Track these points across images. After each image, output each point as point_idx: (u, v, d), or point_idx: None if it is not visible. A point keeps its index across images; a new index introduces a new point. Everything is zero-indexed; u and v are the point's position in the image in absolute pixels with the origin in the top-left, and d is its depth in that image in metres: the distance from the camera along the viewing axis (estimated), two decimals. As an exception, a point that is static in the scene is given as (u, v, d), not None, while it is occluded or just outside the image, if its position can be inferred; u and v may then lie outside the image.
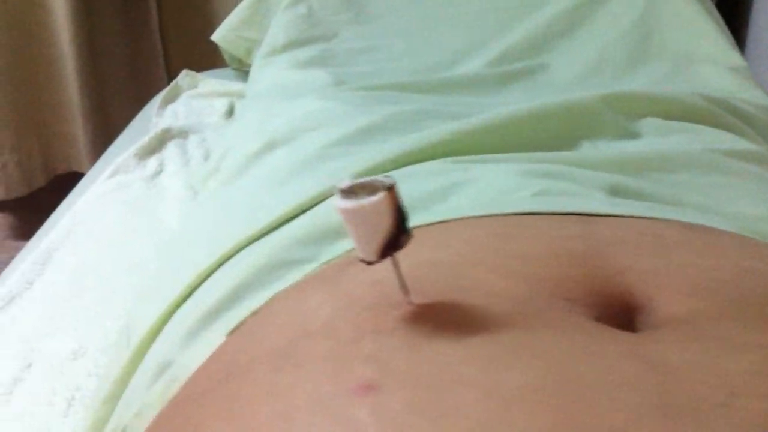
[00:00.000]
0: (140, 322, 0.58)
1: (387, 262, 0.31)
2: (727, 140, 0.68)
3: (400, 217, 0.30)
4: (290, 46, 1.09)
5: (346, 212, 0.29)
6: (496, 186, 0.50)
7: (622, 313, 0.35)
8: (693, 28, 1.05)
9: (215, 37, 1.30)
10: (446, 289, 0.34)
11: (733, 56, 1.02)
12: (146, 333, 0.56)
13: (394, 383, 0.28)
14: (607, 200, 0.47)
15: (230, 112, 1.21)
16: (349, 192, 0.30)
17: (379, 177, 0.30)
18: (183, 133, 1.14)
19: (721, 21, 1.11)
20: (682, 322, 0.33)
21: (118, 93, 1.83)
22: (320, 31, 1.12)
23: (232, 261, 0.55)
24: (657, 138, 0.68)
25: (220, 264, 0.55)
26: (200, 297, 0.53)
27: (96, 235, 0.92)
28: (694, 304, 0.34)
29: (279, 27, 1.14)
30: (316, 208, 0.55)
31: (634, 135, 0.69)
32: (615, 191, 0.51)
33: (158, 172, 1.07)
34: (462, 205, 0.48)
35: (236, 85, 1.27)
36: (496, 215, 0.42)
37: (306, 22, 1.15)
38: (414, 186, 0.54)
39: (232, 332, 0.44)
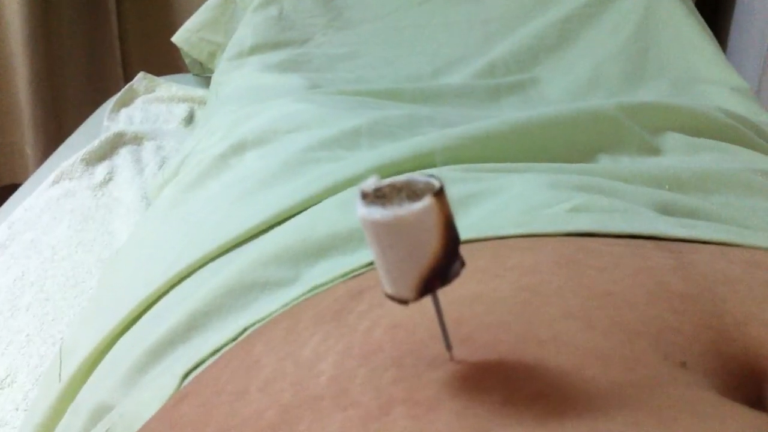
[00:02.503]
0: (75, 351, 0.48)
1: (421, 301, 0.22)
2: (759, 160, 0.61)
3: (451, 234, 0.20)
4: (259, 49, 1.02)
5: (376, 226, 0.20)
6: (524, 198, 0.41)
7: (748, 383, 0.25)
8: (691, 45, 0.99)
9: (176, 38, 1.21)
10: (507, 341, 0.24)
11: (735, 77, 0.96)
12: (80, 366, 0.46)
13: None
14: (673, 221, 0.37)
15: (190, 119, 1.11)
16: (378, 196, 0.20)
17: (419, 175, 0.20)
18: (138, 139, 1.04)
19: (716, 40, 1.07)
20: None
21: (73, 101, 1.71)
22: (293, 35, 1.06)
23: (190, 281, 0.45)
24: (683, 155, 0.60)
25: (176, 284, 0.45)
26: (149, 324, 0.44)
27: (36, 247, 0.82)
28: None
29: (247, 29, 1.07)
30: (297, 218, 0.46)
31: (655, 150, 0.61)
32: (666, 210, 0.42)
33: (108, 180, 0.96)
34: (491, 220, 0.38)
35: (198, 91, 1.17)
36: (548, 235, 0.33)
37: (277, 25, 1.08)
38: None
39: (187, 376, 0.34)
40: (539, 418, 0.20)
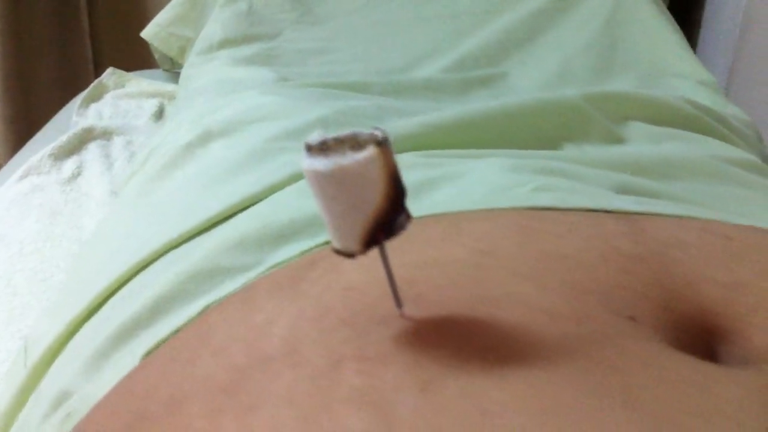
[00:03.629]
0: (40, 340, 0.48)
1: (372, 257, 0.22)
2: (725, 149, 0.61)
3: (396, 186, 0.20)
4: (228, 43, 1.02)
5: (318, 177, 0.20)
6: (486, 181, 0.41)
7: (701, 339, 0.25)
8: (659, 40, 1.00)
9: (145, 34, 1.20)
10: (459, 299, 0.24)
11: (701, 70, 0.98)
12: (43, 354, 0.46)
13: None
14: (630, 199, 0.37)
15: (160, 114, 1.11)
16: (323, 149, 0.20)
17: (364, 129, 0.20)
18: (107, 134, 1.03)
19: (683, 35, 1.08)
20: None
21: (44, 98, 1.70)
22: (262, 30, 1.05)
23: (154, 267, 0.45)
24: (647, 144, 0.60)
25: (140, 271, 0.44)
26: (112, 310, 0.43)
27: (3, 241, 0.81)
28: None
29: (216, 23, 1.06)
30: (261, 205, 0.45)
31: (619, 139, 0.61)
32: (627, 191, 0.42)
33: (76, 175, 0.95)
34: (453, 202, 0.38)
35: (168, 86, 1.16)
36: (509, 209, 0.33)
37: (246, 20, 1.07)
38: None
39: (147, 355, 0.34)
40: (485, 368, 0.20)
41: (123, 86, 1.19)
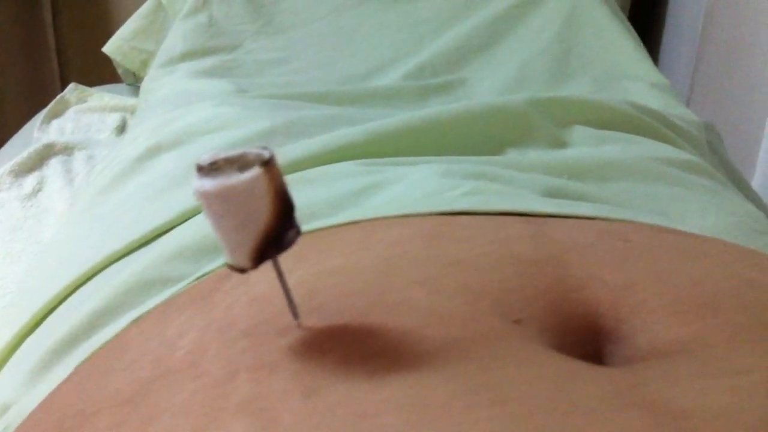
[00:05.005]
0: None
1: (272, 271, 0.23)
2: (664, 150, 0.63)
3: (283, 203, 0.21)
4: (189, 56, 1.02)
5: (206, 196, 0.21)
6: (419, 187, 0.42)
7: (586, 340, 0.26)
8: (613, 44, 1.02)
9: (107, 48, 1.20)
10: (357, 307, 0.25)
11: (655, 73, 0.99)
12: None
13: (278, 444, 0.19)
14: (549, 201, 0.39)
15: (122, 128, 1.11)
16: (213, 169, 0.21)
17: (253, 148, 0.21)
18: (68, 149, 1.03)
19: (638, 38, 1.10)
20: (678, 352, 0.24)
21: (10, 114, 1.69)
22: (223, 42, 1.06)
23: (96, 280, 0.45)
24: (590, 147, 0.62)
25: (83, 283, 0.45)
26: (54, 324, 0.44)
27: (-38, 260, 0.81)
28: (689, 327, 0.25)
29: (177, 36, 1.07)
30: (200, 216, 0.46)
31: (563, 143, 0.63)
32: (554, 194, 0.43)
33: (37, 190, 0.95)
34: (379, 207, 0.39)
35: (131, 100, 1.17)
36: (424, 214, 0.34)
37: (207, 32, 1.08)
38: (321, 190, 0.45)
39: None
40: (368, 373, 0.21)
41: (85, 101, 1.19)
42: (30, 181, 0.96)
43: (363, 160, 0.51)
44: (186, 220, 0.47)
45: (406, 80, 0.97)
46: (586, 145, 0.62)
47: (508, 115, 0.62)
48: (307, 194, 0.45)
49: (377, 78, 0.99)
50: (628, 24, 1.12)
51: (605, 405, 0.20)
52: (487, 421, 0.19)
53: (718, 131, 1.08)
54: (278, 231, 0.21)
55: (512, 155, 0.58)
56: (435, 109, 0.62)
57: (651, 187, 0.53)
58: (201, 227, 0.45)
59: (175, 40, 1.05)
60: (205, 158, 0.21)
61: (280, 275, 0.23)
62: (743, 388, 0.21)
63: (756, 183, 1.24)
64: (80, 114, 1.16)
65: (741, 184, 0.83)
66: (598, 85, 0.96)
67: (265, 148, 0.21)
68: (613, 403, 0.20)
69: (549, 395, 0.20)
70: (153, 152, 0.62)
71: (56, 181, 0.98)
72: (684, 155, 0.62)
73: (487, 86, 0.95)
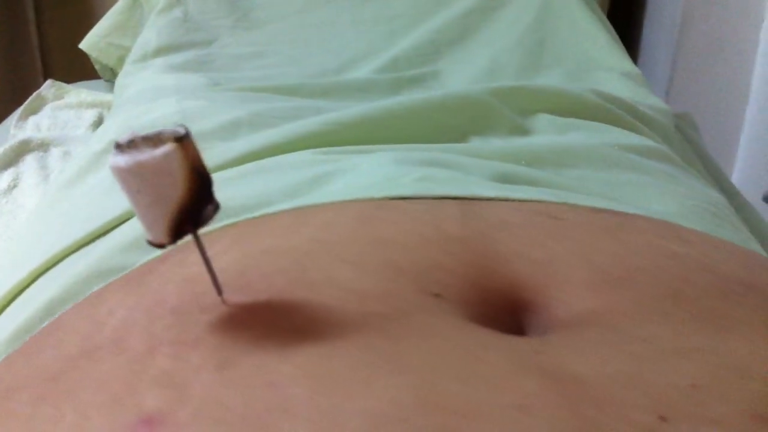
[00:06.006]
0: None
1: (220, 249, 0.23)
2: (626, 136, 0.63)
3: (199, 179, 0.22)
4: (164, 51, 1.02)
5: (119, 172, 0.21)
6: (372, 174, 0.42)
7: (507, 313, 0.26)
8: (586, 35, 1.03)
9: (84, 45, 1.20)
10: (282, 284, 0.25)
11: (627, 63, 1.00)
12: None
13: (187, 415, 0.19)
14: (493, 185, 0.39)
15: (99, 124, 1.11)
16: (130, 147, 0.21)
17: (170, 127, 0.21)
18: (44, 146, 1.03)
19: (612, 29, 1.10)
20: (589, 323, 0.25)
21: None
22: (198, 36, 1.06)
23: (54, 271, 0.45)
24: (553, 135, 0.62)
25: (41, 275, 0.45)
26: (12, 315, 0.44)
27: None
28: (603, 299, 0.26)
29: (151, 31, 1.07)
30: None
31: (526, 132, 0.63)
32: (505, 180, 0.44)
33: (12, 187, 0.95)
34: (331, 194, 0.40)
35: (108, 96, 1.16)
36: (366, 199, 0.34)
37: (182, 27, 1.08)
38: (277, 178, 0.46)
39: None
40: (282, 347, 0.21)
41: (62, 98, 1.19)
42: (5, 177, 0.96)
43: (320, 149, 0.51)
44: None
45: (379, 74, 0.97)
46: (549, 133, 0.63)
47: (470, 105, 0.63)
48: (263, 183, 0.46)
49: (351, 72, 0.99)
50: (602, 14, 1.13)
51: (505, 372, 0.21)
52: (386, 389, 0.20)
53: (695, 121, 1.09)
54: (194, 207, 0.21)
55: (475, 143, 0.59)
56: (396, 99, 0.62)
57: (610, 173, 0.54)
58: None
59: (150, 35, 1.05)
60: (124, 137, 0.22)
61: (202, 251, 0.23)
62: (643, 355, 0.22)
63: (737, 170, 1.25)
64: (57, 110, 1.15)
65: (714, 172, 0.84)
66: (571, 76, 0.96)
67: (181, 126, 0.21)
68: (513, 370, 0.21)
69: (453, 364, 0.21)
70: (112, 147, 0.62)
71: (32, 177, 0.98)
72: (646, 142, 0.63)
73: (460, 79, 0.95)
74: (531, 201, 0.35)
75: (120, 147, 0.21)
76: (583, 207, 0.35)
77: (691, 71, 1.44)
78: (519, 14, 1.07)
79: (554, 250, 0.28)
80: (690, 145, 0.88)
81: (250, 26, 1.11)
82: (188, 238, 0.23)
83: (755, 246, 0.51)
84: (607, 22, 1.12)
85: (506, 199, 0.35)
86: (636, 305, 0.25)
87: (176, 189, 0.21)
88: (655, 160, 0.59)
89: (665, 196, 0.51)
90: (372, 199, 0.34)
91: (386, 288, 0.25)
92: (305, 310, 0.23)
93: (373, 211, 0.31)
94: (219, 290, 0.24)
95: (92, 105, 1.16)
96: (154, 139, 0.21)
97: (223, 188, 0.47)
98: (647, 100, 0.87)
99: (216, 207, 0.22)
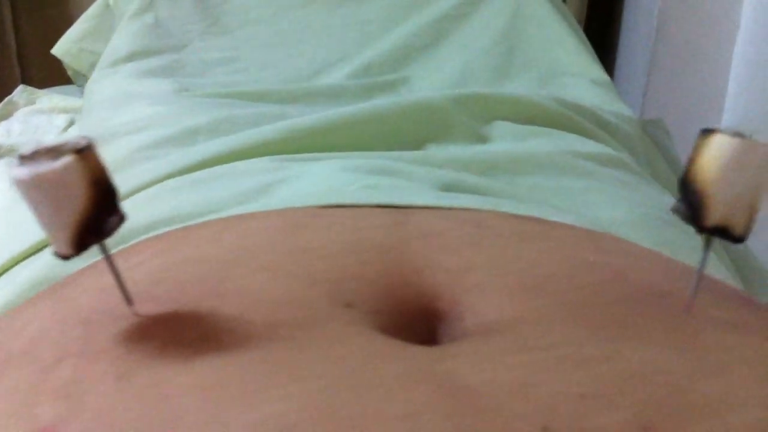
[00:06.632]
0: None
1: (143, 260, 0.23)
2: (583, 144, 0.64)
3: (102, 191, 0.22)
4: (134, 56, 1.02)
5: (20, 184, 0.21)
6: (319, 182, 0.43)
7: (420, 322, 0.27)
8: (556, 41, 1.03)
9: (56, 50, 1.19)
10: (194, 294, 0.26)
11: (596, 70, 1.01)
12: None
13: (80, 427, 0.19)
14: (433, 194, 0.39)
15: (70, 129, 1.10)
16: (33, 158, 0.21)
17: (73, 138, 0.22)
18: (14, 151, 1.02)
19: (584, 36, 1.11)
20: (496, 331, 0.25)
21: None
22: (169, 42, 1.06)
23: (5, 277, 0.45)
24: (510, 142, 0.63)
25: None
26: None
27: None
28: (513, 308, 0.26)
29: (122, 37, 1.06)
30: None
31: (485, 139, 0.64)
32: (450, 189, 0.44)
33: (-19, 192, 0.95)
34: (276, 202, 0.40)
35: (80, 101, 1.16)
36: (301, 208, 0.35)
37: (153, 32, 1.08)
38: (227, 185, 0.46)
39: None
40: (183, 358, 0.22)
41: (34, 103, 1.18)
42: (-27, 183, 0.96)
43: (274, 156, 0.51)
44: None
45: (350, 79, 0.97)
46: (507, 141, 0.63)
47: (429, 112, 0.63)
48: (214, 190, 0.46)
49: (322, 77, 0.99)
50: (573, 20, 1.13)
51: (399, 381, 0.21)
52: (277, 400, 0.20)
53: (666, 126, 1.10)
54: (96, 218, 0.22)
55: (430, 151, 0.59)
56: (357, 106, 0.63)
57: (563, 180, 0.54)
58: None
59: (120, 40, 1.05)
60: (28, 148, 0.22)
61: (109, 262, 0.23)
62: (540, 364, 0.22)
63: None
64: (29, 116, 1.15)
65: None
66: (540, 82, 0.97)
67: (84, 137, 0.22)
68: (407, 380, 0.21)
69: (349, 374, 0.21)
70: None
71: (2, 182, 0.97)
72: (604, 149, 0.63)
73: (430, 84, 0.95)
74: (461, 209, 0.35)
75: (23, 158, 0.21)
76: (509, 215, 0.35)
77: (667, 77, 1.45)
78: (490, 20, 1.08)
79: (472, 259, 0.29)
80: (660, 151, 0.89)
81: (222, 31, 1.11)
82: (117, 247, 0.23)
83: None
84: (579, 29, 1.13)
85: (440, 208, 0.35)
86: (544, 314, 0.25)
87: (76, 201, 0.21)
88: (611, 167, 0.60)
89: (615, 204, 0.52)
90: (309, 207, 0.35)
91: (299, 297, 0.25)
92: (212, 320, 0.23)
93: (299, 220, 0.32)
94: (128, 301, 0.24)
95: (64, 110, 1.16)
96: (56, 151, 0.21)
97: (174, 196, 0.48)
98: (613, 106, 0.87)
99: (121, 218, 0.22)
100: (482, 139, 0.63)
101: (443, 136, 0.62)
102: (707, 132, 0.22)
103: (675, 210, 0.24)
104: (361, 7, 1.14)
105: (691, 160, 0.23)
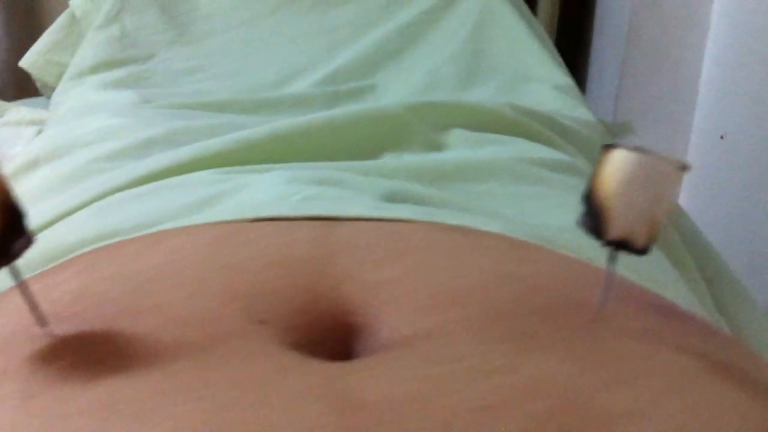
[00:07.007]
0: None
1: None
2: (537, 150, 0.64)
3: (7, 214, 0.22)
4: (100, 68, 1.02)
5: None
6: (262, 194, 0.43)
7: (335, 337, 0.27)
8: (521, 48, 1.04)
9: (23, 63, 1.19)
10: (111, 312, 0.26)
11: (560, 75, 1.01)
12: None
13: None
14: (372, 204, 0.40)
15: (37, 141, 1.10)
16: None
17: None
18: (-23, 166, 1.02)
19: (549, 42, 1.12)
20: (406, 345, 0.25)
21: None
22: (135, 53, 1.06)
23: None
24: (466, 150, 0.63)
25: None
26: None
27: None
28: (429, 320, 0.26)
29: (88, 48, 1.07)
30: (56, 227, 0.47)
31: (441, 146, 0.64)
32: (393, 198, 0.44)
33: (-56, 207, 0.94)
34: (215, 214, 0.40)
35: (48, 113, 1.16)
36: (228, 222, 0.35)
37: (119, 43, 1.08)
38: (173, 198, 0.46)
39: None
40: (88, 377, 0.22)
41: (2, 116, 1.18)
42: (-63, 197, 0.96)
43: (222, 168, 0.52)
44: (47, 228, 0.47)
45: (317, 87, 0.97)
46: (463, 148, 0.64)
47: (385, 120, 0.63)
48: (158, 203, 0.46)
49: (290, 86, 0.99)
50: (538, 26, 1.14)
51: (297, 398, 0.21)
52: (172, 418, 0.20)
53: (634, 128, 1.11)
54: (2, 241, 0.22)
55: (384, 160, 0.59)
56: (313, 115, 0.63)
57: (513, 187, 0.55)
58: (56, 237, 0.45)
59: (86, 52, 1.05)
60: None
61: (23, 286, 0.23)
62: (445, 376, 0.22)
63: (686, 177, 1.27)
64: (-4, 128, 1.15)
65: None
66: (505, 87, 0.97)
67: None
68: (306, 397, 0.21)
69: (249, 391, 0.21)
70: (29, 167, 0.62)
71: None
72: (557, 155, 0.64)
73: (396, 92, 0.96)
74: (393, 221, 0.35)
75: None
76: (440, 226, 0.35)
77: (639, 79, 1.46)
78: (456, 27, 1.08)
79: (392, 272, 0.29)
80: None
81: (189, 41, 1.11)
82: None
83: (658, 253, 0.52)
84: (544, 34, 1.13)
85: (371, 219, 0.35)
86: (456, 327, 0.25)
87: (-18, 224, 0.21)
88: (563, 173, 0.60)
89: (564, 209, 0.52)
90: (241, 221, 0.35)
91: (213, 314, 0.25)
92: (123, 339, 0.24)
93: (226, 235, 0.32)
94: (41, 322, 0.24)
95: (32, 122, 1.15)
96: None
97: (122, 208, 0.48)
98: (574, 111, 0.88)
99: (28, 240, 0.23)
100: (438, 147, 0.64)
101: (399, 144, 0.62)
102: (609, 147, 0.23)
103: (579, 223, 0.24)
104: (329, 15, 1.14)
105: (594, 175, 0.23)
